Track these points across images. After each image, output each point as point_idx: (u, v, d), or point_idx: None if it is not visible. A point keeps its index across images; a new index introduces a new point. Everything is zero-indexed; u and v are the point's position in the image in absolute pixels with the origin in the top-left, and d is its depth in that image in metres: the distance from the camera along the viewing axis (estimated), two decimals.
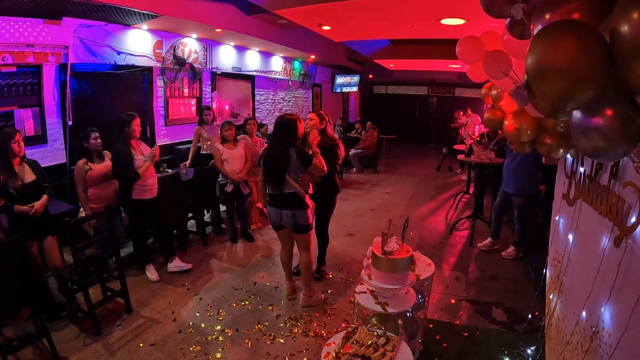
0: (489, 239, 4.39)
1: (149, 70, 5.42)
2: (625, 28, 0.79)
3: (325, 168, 2.96)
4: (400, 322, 2.15)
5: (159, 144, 5.26)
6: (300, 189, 2.91)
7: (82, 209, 3.50)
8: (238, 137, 4.64)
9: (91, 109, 4.67)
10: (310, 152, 2.93)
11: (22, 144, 2.85)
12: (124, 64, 4.99)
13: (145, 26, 5.09)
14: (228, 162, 4.31)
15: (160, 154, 3.65)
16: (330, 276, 3.74)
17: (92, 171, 3.34)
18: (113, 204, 3.42)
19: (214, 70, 6.72)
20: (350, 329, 2.01)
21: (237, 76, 7.55)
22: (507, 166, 4.05)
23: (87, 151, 3.36)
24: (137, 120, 3.39)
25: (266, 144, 5.47)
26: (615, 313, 1.26)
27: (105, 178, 3.42)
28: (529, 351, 2.51)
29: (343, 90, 12.42)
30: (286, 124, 2.92)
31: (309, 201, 2.99)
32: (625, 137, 0.91)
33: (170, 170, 4.52)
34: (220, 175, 4.39)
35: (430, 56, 8.89)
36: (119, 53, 4.88)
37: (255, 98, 8.26)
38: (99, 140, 3.38)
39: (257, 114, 8.25)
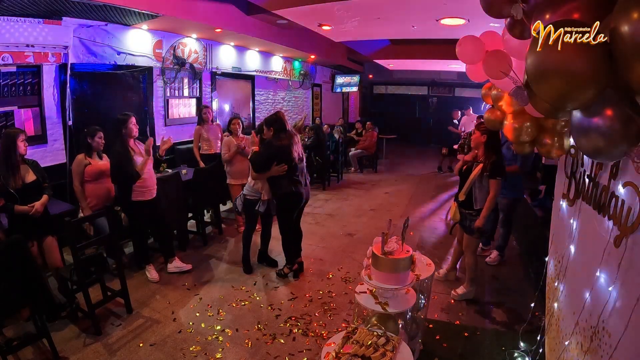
0: (496, 253, 4.09)
1: (149, 70, 5.41)
2: (625, 28, 0.79)
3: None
4: (400, 322, 2.15)
5: (157, 144, 5.26)
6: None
7: (82, 209, 3.50)
8: (224, 138, 4.53)
9: (91, 109, 4.67)
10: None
11: (25, 143, 2.87)
12: (124, 64, 4.99)
13: (145, 26, 5.08)
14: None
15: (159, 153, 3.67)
16: (330, 276, 3.74)
17: (91, 166, 3.37)
18: (107, 202, 3.43)
19: (214, 70, 6.72)
20: (350, 329, 2.01)
21: (237, 76, 7.55)
22: None
23: (88, 147, 3.40)
24: (133, 120, 3.39)
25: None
26: (615, 313, 1.26)
27: (101, 175, 3.44)
28: (529, 351, 2.51)
29: (343, 90, 12.42)
30: None
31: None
32: (625, 137, 0.91)
33: (170, 170, 4.52)
34: (246, 189, 3.67)
35: (430, 56, 8.90)
36: (119, 53, 4.88)
37: (255, 98, 8.26)
38: (103, 141, 3.47)
39: (257, 114, 8.26)
